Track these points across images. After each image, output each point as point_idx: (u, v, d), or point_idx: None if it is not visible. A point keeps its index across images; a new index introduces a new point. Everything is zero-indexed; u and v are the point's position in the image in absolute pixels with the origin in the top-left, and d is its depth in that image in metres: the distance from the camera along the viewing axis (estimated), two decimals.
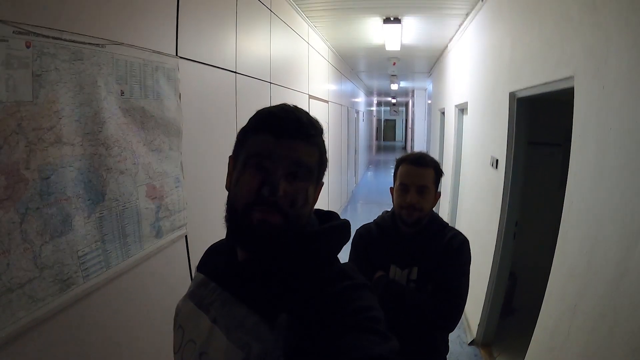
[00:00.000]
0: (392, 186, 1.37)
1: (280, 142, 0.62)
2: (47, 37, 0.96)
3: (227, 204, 0.65)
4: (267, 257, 0.64)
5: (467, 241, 1.31)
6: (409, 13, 3.78)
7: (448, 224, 1.39)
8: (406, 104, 20.26)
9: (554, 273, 1.71)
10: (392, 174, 1.38)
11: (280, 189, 0.60)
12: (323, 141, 0.69)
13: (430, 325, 1.24)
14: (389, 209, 1.42)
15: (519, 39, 2.26)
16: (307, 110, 0.69)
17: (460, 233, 1.34)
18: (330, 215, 0.76)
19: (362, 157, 11.86)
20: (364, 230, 1.41)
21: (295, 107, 0.68)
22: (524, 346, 1.95)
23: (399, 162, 1.34)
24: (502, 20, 2.62)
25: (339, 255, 0.71)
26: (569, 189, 1.61)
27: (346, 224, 0.73)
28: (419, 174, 1.29)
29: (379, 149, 21.44)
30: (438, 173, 1.32)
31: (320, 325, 0.56)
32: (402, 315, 1.20)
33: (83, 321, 1.11)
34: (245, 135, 0.66)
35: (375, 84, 11.77)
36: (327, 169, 0.71)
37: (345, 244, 0.72)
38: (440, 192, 1.36)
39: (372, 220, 1.46)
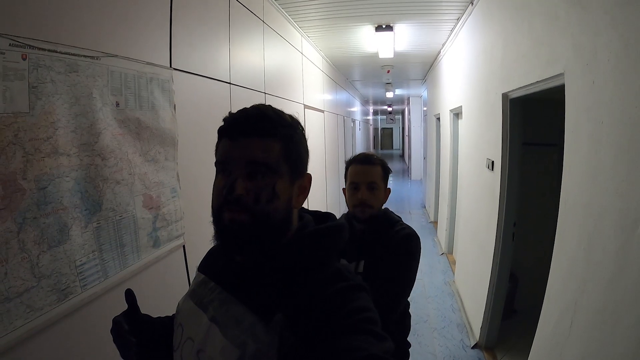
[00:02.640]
0: (344, 187, 1.43)
1: (235, 143, 0.65)
2: (43, 49, 0.98)
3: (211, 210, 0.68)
4: (240, 252, 0.66)
5: (413, 235, 1.34)
6: (400, 20, 3.83)
7: (401, 219, 1.43)
8: (402, 112, 20.37)
9: (553, 271, 1.70)
10: (344, 176, 1.43)
11: (237, 187, 0.62)
12: (288, 132, 0.68)
13: None
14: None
15: (510, 40, 2.29)
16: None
17: (409, 227, 1.37)
18: (328, 217, 0.78)
19: None
20: None
21: (255, 105, 0.69)
22: (527, 347, 1.93)
23: (348, 164, 1.41)
24: (493, 22, 2.66)
25: None
26: (565, 186, 1.62)
27: (341, 225, 0.74)
28: (367, 172, 1.35)
29: None
30: (385, 170, 1.39)
31: (316, 326, 0.57)
32: None
33: (81, 331, 1.10)
34: (216, 147, 0.69)
35: (371, 92, 11.85)
36: (305, 159, 0.71)
37: (341, 244, 0.73)
38: (390, 189, 1.42)
39: None
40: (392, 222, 1.40)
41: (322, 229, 0.71)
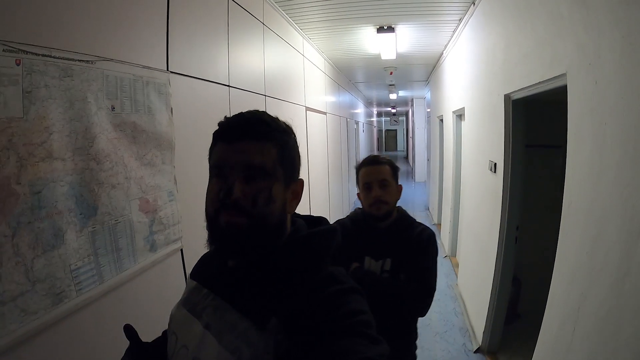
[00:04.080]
0: (359, 192, 1.49)
1: (232, 146, 0.65)
2: (37, 54, 0.98)
3: (205, 213, 0.68)
4: (237, 256, 0.66)
5: (434, 234, 1.45)
6: (402, 21, 3.82)
7: (415, 219, 1.52)
8: (406, 114, 20.33)
9: (555, 275, 1.68)
10: (356, 182, 1.51)
11: (235, 190, 0.62)
12: (284, 137, 0.69)
13: (404, 312, 1.38)
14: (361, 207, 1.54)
15: (512, 40, 2.27)
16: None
17: (428, 228, 1.47)
18: (320, 221, 0.78)
19: None
20: (339, 224, 1.51)
21: (250, 110, 0.70)
22: (530, 351, 1.90)
23: (358, 169, 1.49)
24: (495, 23, 2.64)
25: None
26: (567, 189, 1.60)
27: (334, 229, 0.75)
28: (377, 171, 1.43)
29: None
30: (394, 168, 1.47)
31: (311, 330, 0.57)
32: (378, 303, 1.27)
33: (76, 335, 1.10)
34: (210, 150, 0.70)
35: (374, 94, 11.84)
36: (298, 165, 0.73)
37: (334, 248, 0.73)
38: (401, 185, 1.49)
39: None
40: (410, 220, 1.49)
41: (314, 233, 0.71)
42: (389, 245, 1.41)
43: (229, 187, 0.62)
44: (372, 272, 1.39)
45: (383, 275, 1.39)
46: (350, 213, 1.57)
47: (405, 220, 1.48)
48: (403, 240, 1.42)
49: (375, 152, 18.21)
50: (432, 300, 1.37)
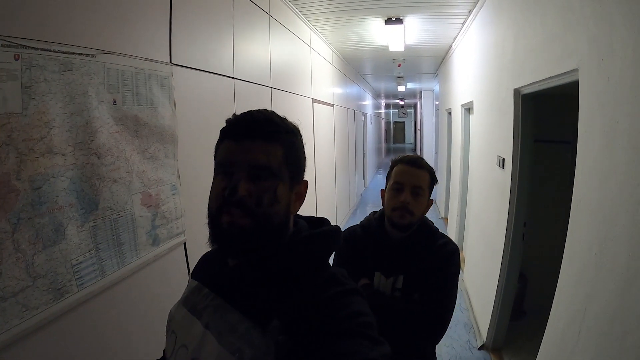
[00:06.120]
0: (384, 188, 1.31)
1: (239, 145, 0.64)
2: (36, 49, 0.98)
3: (207, 211, 0.67)
4: (238, 256, 0.66)
5: (458, 250, 1.26)
6: (410, 13, 3.75)
7: (438, 229, 1.33)
8: (414, 106, 20.13)
9: (563, 274, 1.65)
10: (386, 177, 1.32)
11: (240, 189, 0.61)
12: (291, 138, 0.69)
13: (416, 338, 1.19)
14: (377, 210, 1.36)
15: (522, 34, 2.21)
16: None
17: (451, 241, 1.29)
18: (322, 222, 0.78)
19: (371, 159, 11.81)
20: (348, 233, 1.35)
21: (259, 110, 0.69)
22: (535, 350, 1.89)
23: (395, 163, 1.29)
24: (504, 16, 2.58)
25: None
26: (577, 187, 1.56)
27: (336, 230, 0.74)
28: (415, 174, 1.23)
29: (389, 151, 21.31)
30: (433, 178, 1.27)
31: (313, 331, 0.57)
32: (387, 327, 1.12)
33: (78, 330, 1.11)
34: (216, 147, 0.69)
35: (382, 86, 11.73)
36: (303, 166, 0.72)
37: (335, 249, 0.73)
38: (432, 200, 1.30)
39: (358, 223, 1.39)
40: (432, 232, 1.30)
41: (316, 234, 0.70)
42: (404, 260, 1.23)
43: (234, 185, 0.62)
44: (380, 293, 1.22)
45: (394, 294, 1.22)
46: (364, 219, 1.37)
47: (425, 230, 1.28)
48: (420, 254, 1.23)
49: (384, 144, 18.09)
50: (446, 328, 1.18)
